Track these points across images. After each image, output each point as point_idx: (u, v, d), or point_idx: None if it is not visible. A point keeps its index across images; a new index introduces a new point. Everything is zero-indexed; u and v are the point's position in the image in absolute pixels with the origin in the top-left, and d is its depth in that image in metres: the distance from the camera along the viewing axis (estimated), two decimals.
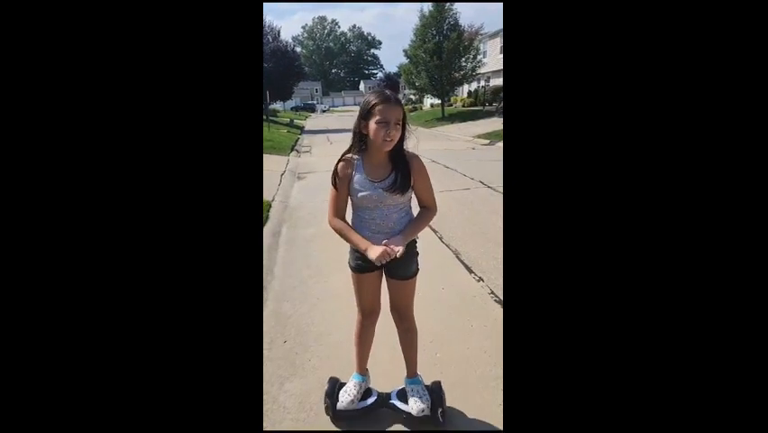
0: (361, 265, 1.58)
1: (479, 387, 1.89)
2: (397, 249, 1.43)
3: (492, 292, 2.82)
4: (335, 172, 1.53)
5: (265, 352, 2.17)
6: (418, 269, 1.64)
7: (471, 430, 1.66)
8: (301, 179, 7.29)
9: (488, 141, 12.87)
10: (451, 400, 1.78)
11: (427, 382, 1.76)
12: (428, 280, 2.78)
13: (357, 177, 1.50)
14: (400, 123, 1.41)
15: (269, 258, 3.52)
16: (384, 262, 1.43)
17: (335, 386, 1.73)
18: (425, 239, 3.80)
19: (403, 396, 1.72)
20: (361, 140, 1.48)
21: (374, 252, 1.43)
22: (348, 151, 1.54)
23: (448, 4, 21.06)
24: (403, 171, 1.49)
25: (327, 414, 1.71)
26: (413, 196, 1.59)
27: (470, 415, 1.73)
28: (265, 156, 8.85)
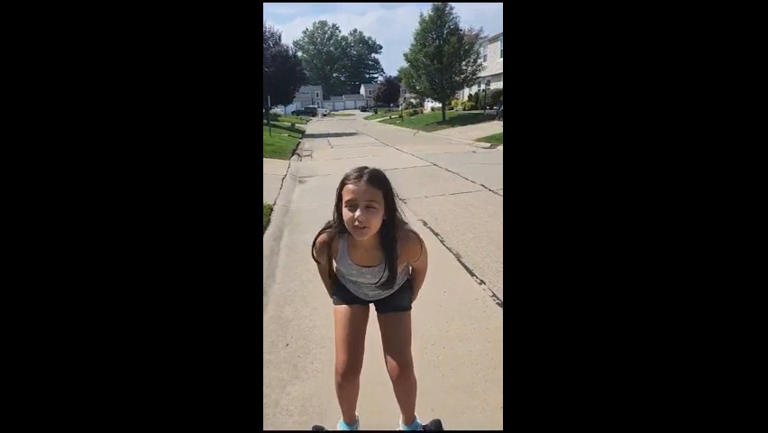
0: (344, 298, 1.39)
1: (480, 390, 1.88)
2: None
3: (494, 295, 2.82)
4: (314, 247, 1.34)
5: (267, 356, 2.17)
6: (411, 303, 1.47)
7: (472, 430, 1.66)
8: (302, 183, 7.31)
9: (488, 144, 12.88)
10: (452, 403, 1.77)
11: (428, 386, 1.76)
12: (430, 284, 2.77)
13: (341, 258, 1.31)
14: (374, 205, 1.18)
15: (271, 262, 3.52)
16: None
17: None
18: (426, 242, 3.78)
19: None
20: (341, 221, 1.24)
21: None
22: (328, 225, 1.32)
23: (448, 8, 21.15)
24: (391, 265, 1.27)
25: None
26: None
27: (471, 418, 1.73)
28: (266, 160, 8.87)
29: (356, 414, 1.53)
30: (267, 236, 4.14)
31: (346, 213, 1.19)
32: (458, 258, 3.50)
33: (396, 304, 1.40)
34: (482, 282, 3.02)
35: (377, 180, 1.20)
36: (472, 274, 3.17)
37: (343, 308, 1.40)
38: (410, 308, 1.44)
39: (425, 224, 4.43)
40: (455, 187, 6.48)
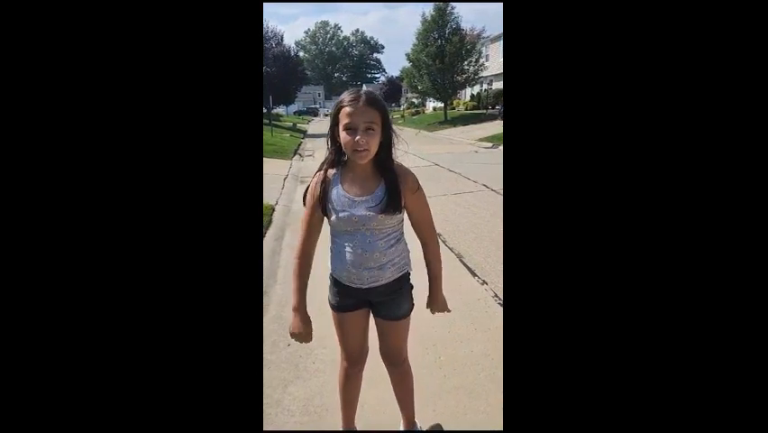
0: (342, 304, 1.33)
1: (481, 391, 1.88)
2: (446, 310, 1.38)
3: (496, 295, 2.81)
4: (308, 189, 1.27)
5: (268, 355, 2.17)
6: (413, 305, 1.39)
7: (472, 430, 1.66)
8: (304, 183, 7.31)
9: (491, 144, 12.87)
10: (453, 404, 1.77)
11: (430, 387, 1.76)
12: None
13: (334, 193, 1.22)
14: (373, 127, 1.14)
15: (272, 262, 3.53)
16: (297, 340, 1.24)
17: None
18: None
19: None
20: (337, 150, 1.22)
21: (292, 320, 1.25)
22: (323, 163, 1.27)
23: (449, 8, 21.15)
24: (392, 186, 1.20)
25: None
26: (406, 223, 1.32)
27: (472, 419, 1.72)
28: (268, 160, 8.89)
29: (355, 423, 1.52)
30: (268, 236, 4.14)
31: (345, 137, 1.14)
32: (460, 258, 3.50)
33: (393, 313, 1.34)
34: (484, 283, 3.02)
35: (375, 102, 1.15)
36: (474, 275, 3.17)
37: (343, 313, 1.36)
38: (409, 314, 1.39)
39: None
40: (457, 187, 6.48)
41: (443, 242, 3.93)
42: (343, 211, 1.21)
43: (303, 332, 1.28)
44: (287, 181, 7.19)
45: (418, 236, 1.35)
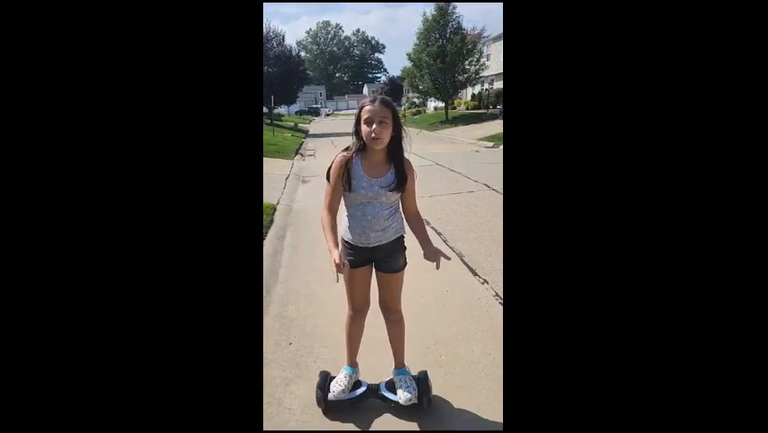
0: (352, 261, 1.65)
1: (482, 389, 1.89)
2: (443, 257, 1.58)
3: (497, 295, 2.82)
4: (331, 167, 1.63)
5: (270, 354, 2.18)
6: (406, 263, 1.75)
7: (472, 430, 1.67)
8: (306, 183, 7.32)
9: (492, 143, 12.86)
10: (454, 402, 1.78)
11: (431, 385, 1.77)
12: (432, 283, 2.78)
13: (355, 173, 1.60)
14: (386, 121, 1.53)
15: (274, 261, 3.53)
16: (342, 271, 1.52)
17: (326, 379, 1.79)
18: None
19: (391, 386, 1.78)
20: (359, 140, 1.60)
21: (334, 254, 1.53)
22: (347, 149, 1.64)
23: (451, 7, 21.12)
24: (400, 172, 1.61)
25: (319, 406, 1.76)
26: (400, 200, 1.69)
27: (472, 418, 1.73)
28: (269, 160, 8.90)
29: (357, 361, 1.86)
30: (270, 236, 4.15)
31: (365, 128, 1.54)
32: (461, 258, 3.50)
33: (392, 267, 1.72)
34: (485, 282, 3.02)
35: (387, 103, 1.58)
36: (475, 274, 3.18)
37: (352, 269, 1.64)
38: (403, 268, 1.74)
39: (427, 223, 4.43)
40: (458, 186, 6.48)
41: (444, 241, 3.93)
42: (362, 188, 1.59)
43: (341, 262, 1.52)
44: (288, 181, 7.19)
45: (407, 208, 1.72)
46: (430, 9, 21.48)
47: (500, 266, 3.27)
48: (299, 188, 6.86)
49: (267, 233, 4.22)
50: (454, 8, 21.29)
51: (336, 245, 1.58)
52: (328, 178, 1.63)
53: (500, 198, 5.60)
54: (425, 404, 1.73)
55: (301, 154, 11.84)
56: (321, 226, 1.62)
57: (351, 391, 1.78)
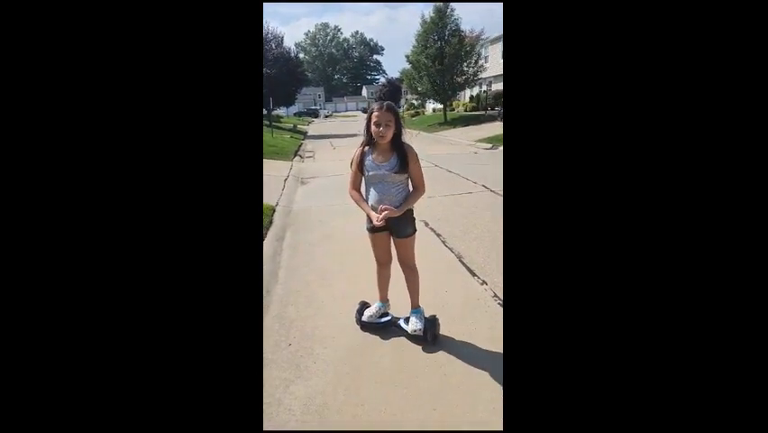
0: (372, 227, 2.24)
1: (481, 390, 1.89)
2: (392, 212, 2.07)
3: (495, 295, 2.83)
4: (353, 158, 2.21)
5: (270, 355, 2.19)
6: (415, 230, 2.28)
7: (472, 430, 1.67)
8: (305, 184, 7.32)
9: (490, 145, 12.87)
10: (453, 404, 1.78)
11: (430, 386, 1.77)
12: (431, 284, 2.79)
13: (367, 161, 2.16)
14: (389, 123, 2.04)
15: (273, 262, 3.54)
16: (381, 223, 2.08)
17: (363, 307, 2.49)
18: (428, 242, 3.81)
19: (407, 320, 2.37)
20: (369, 136, 2.11)
21: (373, 216, 2.12)
22: (362, 144, 2.20)
23: (449, 9, 21.16)
24: (401, 157, 2.11)
25: (357, 324, 2.45)
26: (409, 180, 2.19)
27: (472, 418, 1.73)
28: (269, 161, 8.89)
29: (387, 298, 2.48)
30: (269, 237, 4.15)
31: (374, 128, 2.05)
32: (460, 259, 3.51)
33: (404, 232, 2.25)
34: (484, 283, 3.03)
35: (391, 109, 2.07)
36: (474, 275, 3.18)
37: (373, 234, 2.29)
38: (411, 235, 2.27)
39: (426, 224, 4.43)
40: (457, 188, 6.48)
41: (443, 242, 3.94)
42: (372, 171, 2.15)
43: (377, 218, 2.07)
44: (287, 182, 7.20)
45: (413, 185, 2.22)
46: (429, 11, 21.51)
47: (499, 267, 3.28)
48: (298, 190, 6.86)
49: (266, 234, 4.22)
50: (452, 10, 21.34)
51: (369, 208, 2.17)
52: (351, 165, 2.21)
53: (499, 199, 5.61)
54: (429, 337, 2.26)
55: (300, 156, 11.83)
56: (354, 201, 2.24)
57: (378, 318, 2.43)
